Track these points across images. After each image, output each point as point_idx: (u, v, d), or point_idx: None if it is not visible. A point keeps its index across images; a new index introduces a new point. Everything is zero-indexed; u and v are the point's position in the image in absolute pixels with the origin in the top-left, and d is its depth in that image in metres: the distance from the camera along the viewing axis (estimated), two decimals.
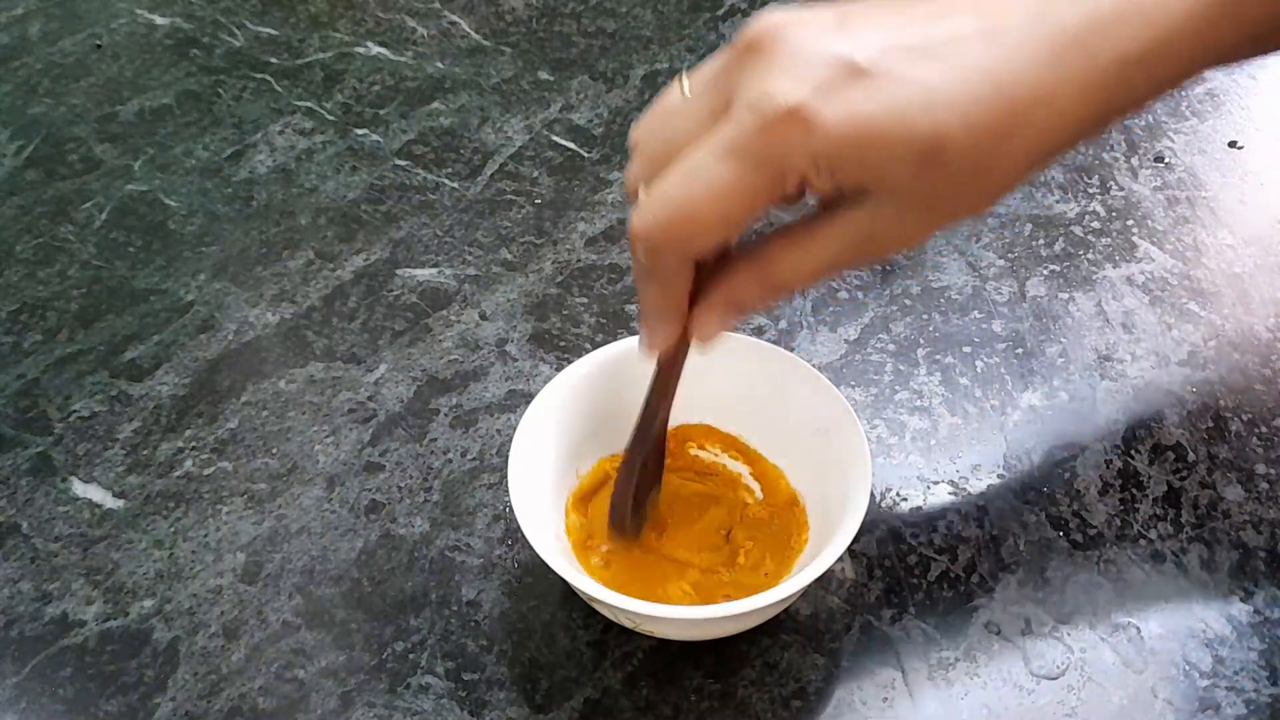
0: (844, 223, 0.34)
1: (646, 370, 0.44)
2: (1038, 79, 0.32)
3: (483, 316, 0.54)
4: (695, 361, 0.44)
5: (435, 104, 0.66)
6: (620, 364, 0.44)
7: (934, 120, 0.32)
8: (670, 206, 0.33)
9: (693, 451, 0.46)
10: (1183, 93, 0.64)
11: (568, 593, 0.43)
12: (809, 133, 0.31)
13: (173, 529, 0.46)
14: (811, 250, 0.35)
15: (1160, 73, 0.34)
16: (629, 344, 0.44)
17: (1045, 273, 0.54)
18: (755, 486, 0.45)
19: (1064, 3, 0.33)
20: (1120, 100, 0.34)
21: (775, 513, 0.43)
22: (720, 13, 0.71)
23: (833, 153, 0.32)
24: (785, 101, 0.31)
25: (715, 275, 0.36)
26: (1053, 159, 0.35)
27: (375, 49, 0.70)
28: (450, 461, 0.47)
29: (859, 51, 0.32)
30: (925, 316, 0.52)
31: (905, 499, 0.45)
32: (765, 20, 0.33)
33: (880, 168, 0.32)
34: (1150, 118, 0.63)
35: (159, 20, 0.73)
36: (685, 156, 0.33)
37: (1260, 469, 0.46)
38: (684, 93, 0.35)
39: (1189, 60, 0.34)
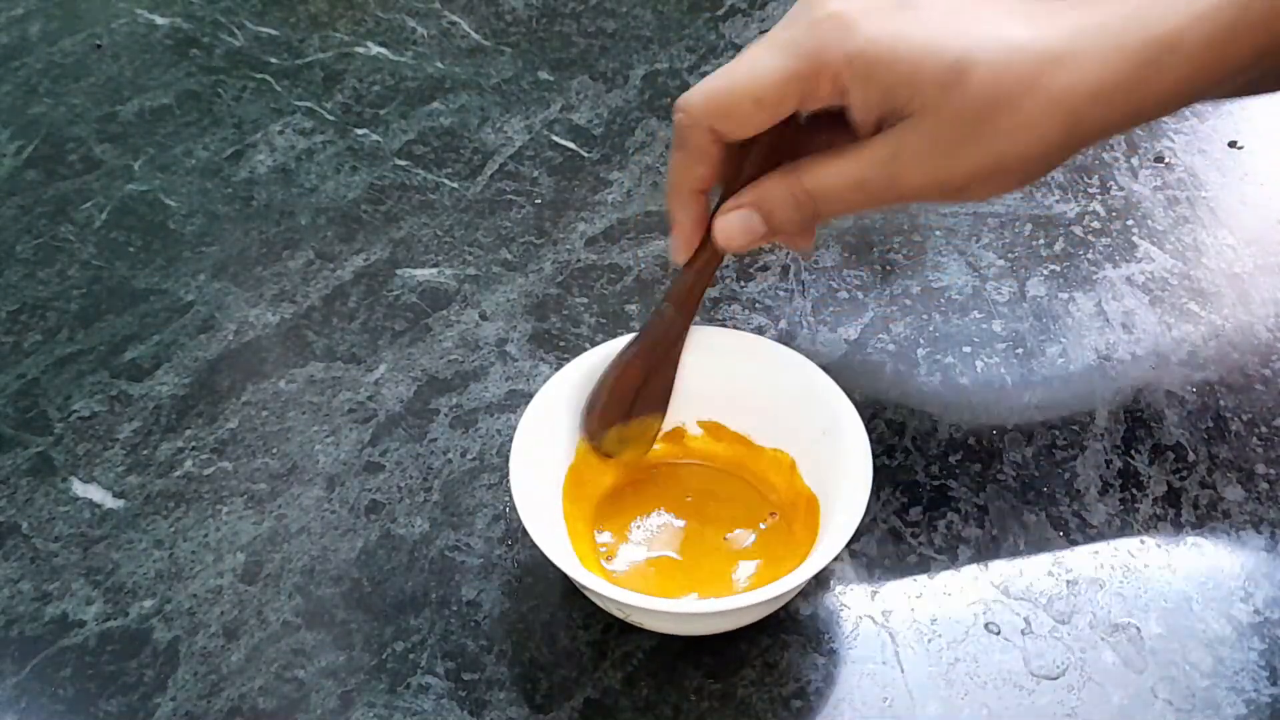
0: (874, 141, 0.37)
1: None
2: (1067, 42, 0.35)
3: (483, 316, 0.54)
4: (702, 359, 0.44)
5: (435, 104, 0.66)
6: None
7: (963, 44, 0.35)
8: (712, 81, 0.37)
9: (702, 448, 0.46)
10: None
11: (568, 592, 0.43)
12: (848, 31, 0.35)
13: (173, 529, 0.46)
14: (840, 163, 0.37)
15: (1187, 59, 0.35)
16: (628, 341, 0.44)
17: (1045, 273, 0.54)
18: (764, 483, 0.45)
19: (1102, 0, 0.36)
20: (1150, 82, 0.36)
21: (783, 510, 0.43)
22: (720, 13, 0.71)
23: (867, 53, 0.35)
24: (833, 8, 0.35)
25: (747, 184, 0.39)
26: (1086, 133, 0.37)
27: (375, 49, 0.70)
28: (450, 461, 0.47)
29: None
30: (925, 316, 0.52)
31: (905, 499, 0.45)
32: None
33: (910, 79, 0.35)
34: None
35: (159, 20, 0.73)
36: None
37: (1260, 469, 0.46)
38: None
39: (1213, 52, 0.36)
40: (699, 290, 0.42)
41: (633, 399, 0.43)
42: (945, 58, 0.35)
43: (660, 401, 0.44)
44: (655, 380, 0.43)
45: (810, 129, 0.40)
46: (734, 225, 0.39)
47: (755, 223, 0.39)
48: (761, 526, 0.43)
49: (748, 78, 0.36)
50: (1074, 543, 0.43)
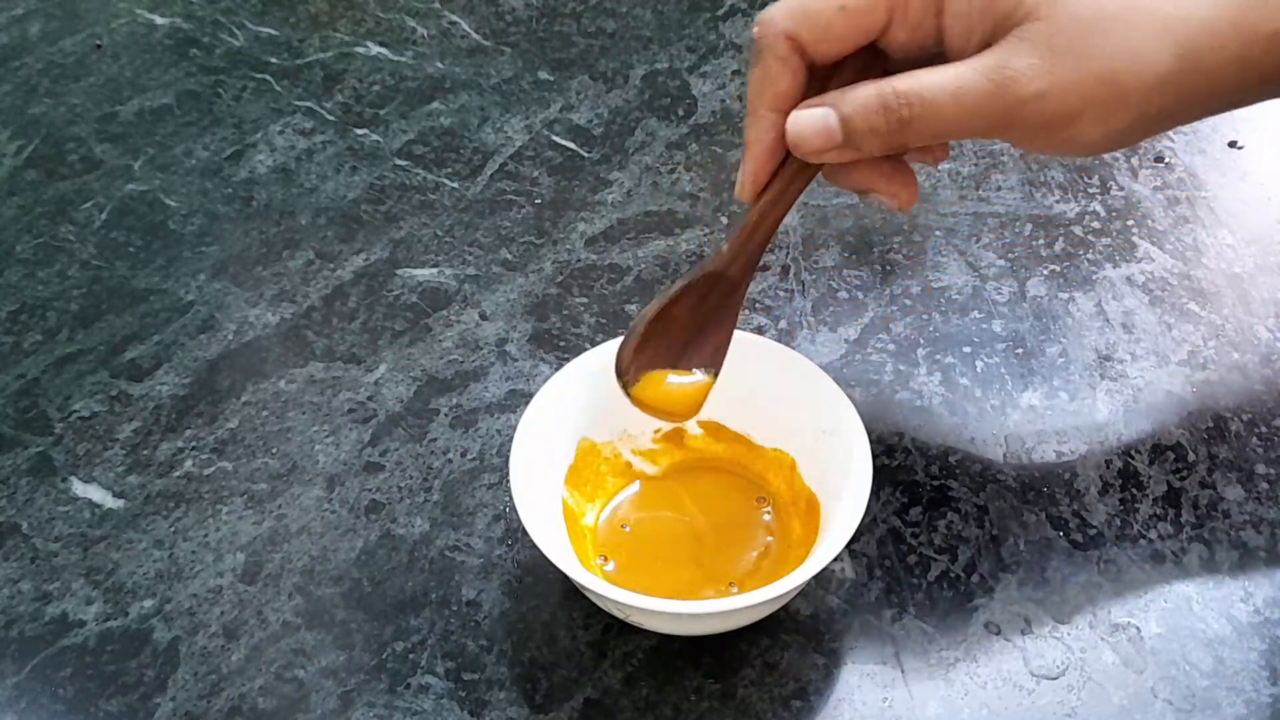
0: (981, 53, 0.34)
1: None
2: None
3: (483, 316, 0.54)
4: None
5: (435, 104, 0.66)
6: None
7: None
8: None
9: (703, 448, 0.46)
10: None
11: (568, 592, 0.43)
12: None
13: (173, 529, 0.46)
14: (942, 70, 0.34)
15: None
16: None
17: (1045, 273, 0.54)
18: (764, 483, 0.45)
19: None
20: (1259, 25, 0.34)
21: (783, 510, 0.43)
22: (720, 13, 0.71)
23: None
24: None
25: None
26: (1198, 72, 0.34)
27: (375, 49, 0.70)
28: (450, 461, 0.48)
29: None
30: (925, 316, 0.52)
31: (905, 499, 0.45)
32: None
33: None
34: None
35: (159, 20, 0.73)
36: None
37: (1260, 469, 0.46)
38: None
39: None
40: (761, 232, 0.37)
41: (680, 347, 0.39)
42: None
43: (712, 359, 0.39)
44: (710, 333, 0.39)
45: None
46: (806, 122, 0.35)
47: (832, 123, 0.34)
48: (766, 519, 0.43)
49: None
50: (1074, 543, 0.43)
